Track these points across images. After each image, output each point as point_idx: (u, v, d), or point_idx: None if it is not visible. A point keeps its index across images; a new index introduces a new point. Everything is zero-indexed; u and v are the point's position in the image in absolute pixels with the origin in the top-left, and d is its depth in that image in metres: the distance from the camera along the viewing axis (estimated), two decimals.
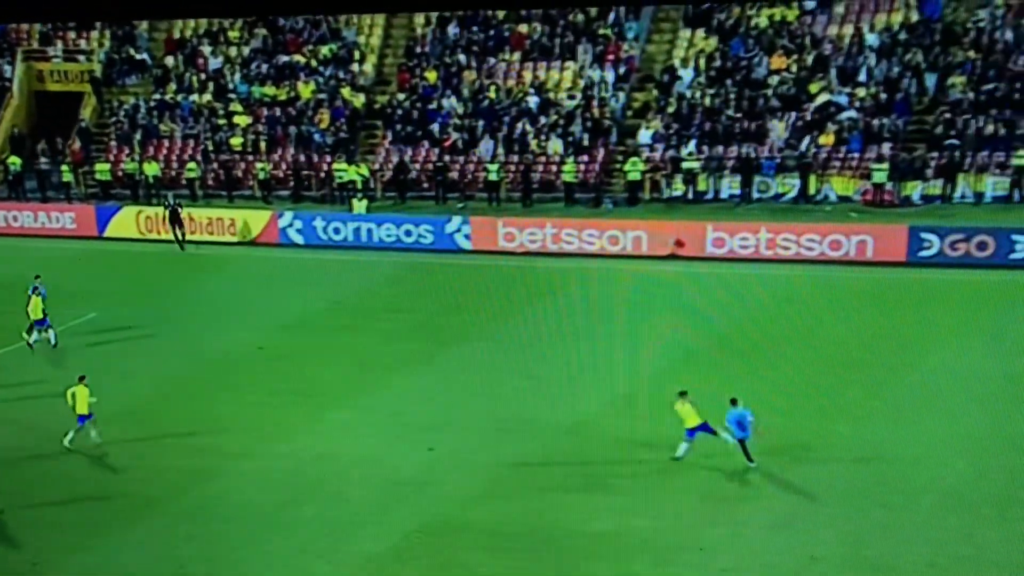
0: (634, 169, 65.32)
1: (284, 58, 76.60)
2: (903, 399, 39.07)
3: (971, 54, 64.25)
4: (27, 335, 49.15)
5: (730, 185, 64.17)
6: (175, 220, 64.74)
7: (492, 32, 74.52)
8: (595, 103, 69.74)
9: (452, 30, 75.29)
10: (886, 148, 62.40)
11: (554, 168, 68.19)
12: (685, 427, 35.93)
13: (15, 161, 75.32)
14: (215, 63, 78.31)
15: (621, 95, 70.24)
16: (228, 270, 60.16)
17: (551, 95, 71.20)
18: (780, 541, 31.35)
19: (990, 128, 61.00)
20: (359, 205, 65.41)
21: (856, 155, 62.89)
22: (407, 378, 43.72)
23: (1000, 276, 49.75)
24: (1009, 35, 64.18)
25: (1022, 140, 60.08)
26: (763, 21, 69.84)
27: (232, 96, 76.42)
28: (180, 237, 64.45)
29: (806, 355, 43.04)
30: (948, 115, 62.24)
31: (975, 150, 60.74)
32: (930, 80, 64.13)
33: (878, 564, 30.14)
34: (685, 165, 64.86)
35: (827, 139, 63.74)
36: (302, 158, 72.04)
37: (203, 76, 78.16)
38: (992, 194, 59.52)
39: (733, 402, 36.74)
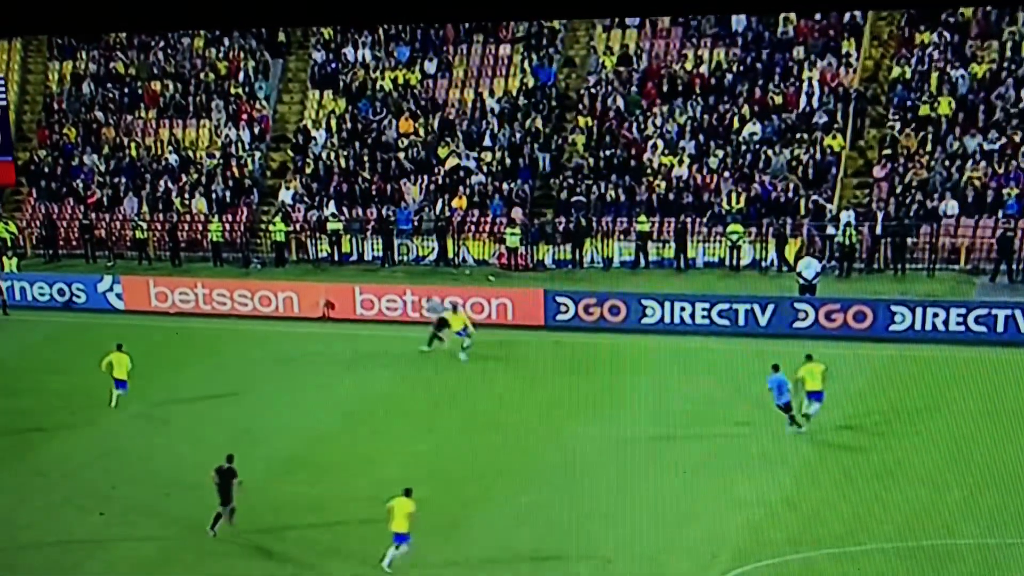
0: (278, 230, 66.06)
1: None
2: (554, 463, 40.41)
3: (586, 121, 66.93)
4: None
5: (373, 247, 65.48)
6: None
7: (127, 89, 74.37)
8: (234, 162, 70.39)
9: (87, 87, 74.76)
10: (517, 212, 64.62)
11: (200, 227, 68.46)
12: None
13: None
14: None
15: (258, 155, 70.92)
16: None
17: (190, 153, 71.38)
18: None
19: (612, 194, 63.88)
20: (9, 263, 63.89)
21: (491, 219, 64.73)
22: (70, 445, 43.06)
23: (633, 340, 51.74)
24: (620, 102, 67.34)
25: (642, 206, 63.22)
26: (387, 84, 71.36)
27: None
28: None
29: (461, 415, 44.55)
30: (571, 180, 65.05)
31: (599, 215, 63.52)
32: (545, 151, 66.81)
33: None
34: (329, 226, 65.78)
35: (460, 202, 65.81)
36: None
37: None
38: (620, 259, 62.26)
39: (775, 368, 40.66)
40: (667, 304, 53.49)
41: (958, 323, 50.18)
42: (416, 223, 65.64)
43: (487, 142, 68.24)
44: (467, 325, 50.71)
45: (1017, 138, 60.11)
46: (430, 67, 71.58)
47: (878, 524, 34.43)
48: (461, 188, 66.13)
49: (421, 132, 69.32)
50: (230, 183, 69.67)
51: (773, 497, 36.63)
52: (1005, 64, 63.18)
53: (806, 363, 42.02)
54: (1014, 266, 56.85)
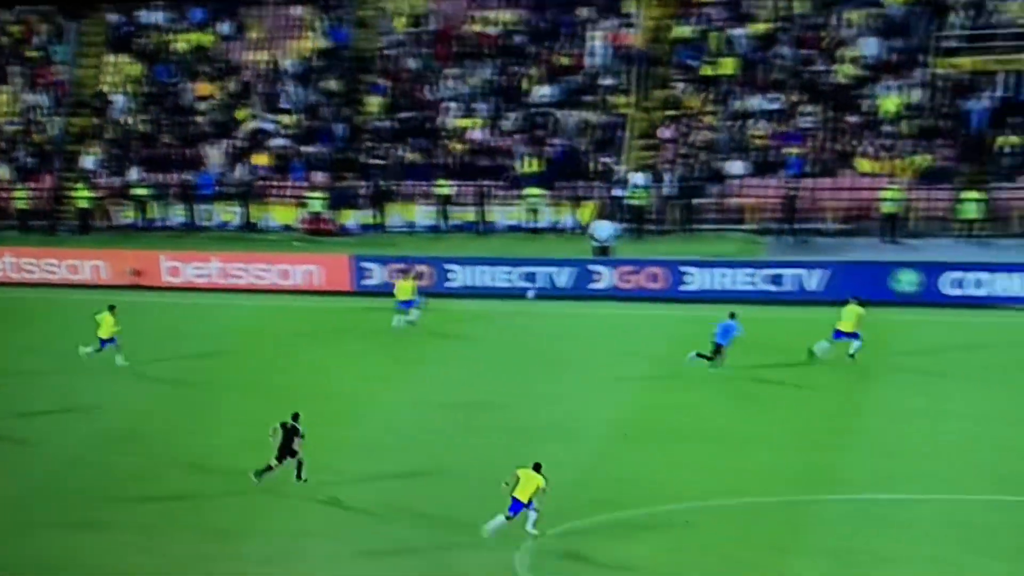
0: (82, 196, 65.78)
1: None
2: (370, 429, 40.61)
3: (382, 81, 67.90)
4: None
5: (177, 213, 65.52)
6: None
7: None
8: (34, 128, 69.59)
9: None
10: (320, 177, 65.22)
11: (4, 194, 67.82)
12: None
13: None
14: None
15: (59, 120, 70.23)
16: None
17: None
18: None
19: (410, 157, 64.81)
20: None
21: (293, 183, 65.03)
22: None
23: (439, 304, 51.91)
24: (414, 63, 68.21)
25: (441, 169, 64.20)
26: (183, 46, 70.90)
27: None
28: None
29: (278, 386, 44.02)
30: (370, 144, 65.90)
31: (400, 179, 64.55)
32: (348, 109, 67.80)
33: None
34: (133, 192, 65.75)
35: (262, 159, 65.66)
36: None
37: None
38: (422, 223, 63.30)
39: (732, 315, 43.19)
40: (469, 267, 54.94)
41: (747, 282, 52.54)
42: (218, 188, 65.81)
43: (286, 104, 68.34)
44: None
45: (795, 97, 62.42)
46: (225, 29, 71.42)
47: (681, 485, 35.04)
48: (261, 151, 65.88)
49: (219, 95, 69.44)
50: (31, 149, 68.91)
51: (581, 460, 37.04)
52: (779, 23, 65.00)
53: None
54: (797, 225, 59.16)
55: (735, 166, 61.25)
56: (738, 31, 65.25)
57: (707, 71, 64.32)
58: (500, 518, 31.71)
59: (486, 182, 63.17)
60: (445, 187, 63.18)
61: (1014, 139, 58.54)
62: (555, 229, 61.52)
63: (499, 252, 57.45)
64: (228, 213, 65.00)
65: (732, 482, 35.12)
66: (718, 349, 43.70)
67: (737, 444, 38.16)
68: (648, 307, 52.01)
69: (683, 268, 53.37)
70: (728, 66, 64.14)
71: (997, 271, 50.94)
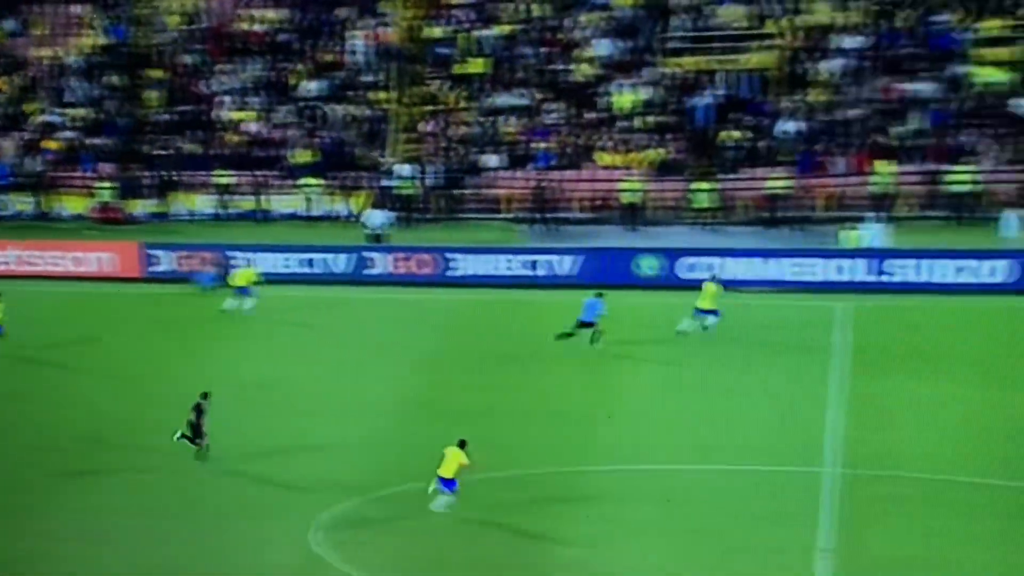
0: None
1: None
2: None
3: (161, 75, 69.83)
4: None
5: None
6: None
7: None
8: None
9: None
10: (108, 167, 66.78)
11: None
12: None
13: None
14: None
15: None
16: None
17: None
18: None
19: (190, 148, 67.02)
20: None
21: (83, 174, 66.68)
22: None
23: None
24: (189, 59, 70.33)
25: (220, 160, 66.32)
26: None
27: None
28: None
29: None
30: (152, 136, 67.56)
31: (181, 169, 66.53)
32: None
33: None
34: None
35: (52, 143, 67.17)
36: None
37: None
38: (205, 211, 65.61)
39: (599, 295, 46.34)
40: (251, 254, 56.78)
41: (507, 267, 56.30)
42: (12, 178, 67.08)
43: (71, 99, 69.84)
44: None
45: (539, 95, 66.13)
46: (11, 26, 72.70)
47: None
48: (51, 143, 67.39)
49: (7, 89, 70.38)
50: None
51: (364, 437, 38.68)
52: (521, 25, 68.79)
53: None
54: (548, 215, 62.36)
55: (491, 159, 64.57)
56: (485, 32, 68.68)
57: (459, 69, 67.59)
58: (441, 498, 32.97)
59: (263, 172, 65.67)
60: (224, 177, 65.35)
61: (736, 134, 62.74)
62: (330, 217, 64.11)
63: (279, 239, 59.73)
64: (22, 203, 66.38)
65: (506, 455, 36.36)
66: (581, 326, 45.90)
67: (509, 419, 40.12)
68: (420, 291, 54.72)
69: (450, 255, 56.66)
70: (478, 65, 67.44)
71: (727, 256, 54.89)
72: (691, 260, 54.76)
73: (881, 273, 52.89)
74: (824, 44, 65.46)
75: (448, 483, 32.82)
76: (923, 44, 64.65)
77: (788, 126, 62.73)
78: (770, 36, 66.07)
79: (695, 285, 51.47)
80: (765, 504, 33.53)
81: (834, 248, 55.25)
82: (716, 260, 54.21)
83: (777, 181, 60.88)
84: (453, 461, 32.94)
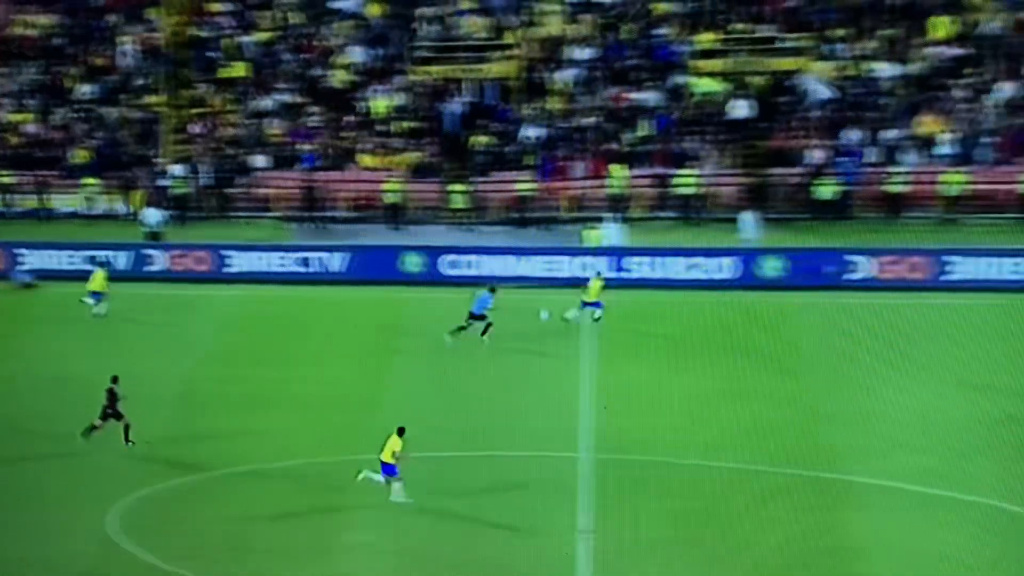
0: None
1: None
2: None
3: None
4: None
5: None
6: None
7: None
8: None
9: None
10: None
11: None
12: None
13: None
14: None
15: None
16: None
17: None
18: None
19: None
20: None
21: None
22: None
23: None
24: None
25: (2, 160, 66.83)
26: None
27: None
28: None
29: None
30: None
31: None
32: None
33: None
34: None
35: None
36: None
37: None
38: None
39: (491, 289, 48.37)
40: (37, 252, 58.79)
41: (280, 264, 58.77)
42: None
43: None
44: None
45: (300, 99, 68.74)
46: None
47: (254, 448, 38.27)
48: None
49: None
50: None
51: (157, 428, 39.03)
52: (279, 32, 71.74)
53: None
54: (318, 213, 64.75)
55: (258, 160, 66.42)
56: (246, 38, 71.08)
57: (224, 73, 69.56)
58: (378, 478, 33.67)
59: (43, 172, 66.42)
60: (6, 176, 66.02)
61: (484, 139, 65.88)
62: (110, 216, 65.24)
63: (61, 237, 60.94)
64: None
65: (286, 444, 38.37)
66: (472, 318, 47.40)
67: (286, 409, 41.71)
68: (198, 288, 56.34)
69: (225, 252, 58.36)
70: (241, 69, 69.49)
71: (485, 254, 57.89)
72: (452, 258, 57.55)
73: (621, 270, 56.16)
74: (558, 55, 69.03)
75: (388, 468, 33.57)
76: (647, 56, 68.69)
77: (530, 132, 66.01)
78: (509, 47, 69.21)
79: (457, 281, 55.13)
80: (525, 488, 35.40)
81: (579, 247, 58.35)
82: (474, 258, 57.26)
83: (523, 184, 63.98)
84: (389, 447, 33.66)
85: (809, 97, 66.75)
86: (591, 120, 67.03)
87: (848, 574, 30.36)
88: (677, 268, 57.13)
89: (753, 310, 51.93)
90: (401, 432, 34.00)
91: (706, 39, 69.15)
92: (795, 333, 50.22)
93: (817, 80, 66.67)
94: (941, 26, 67.93)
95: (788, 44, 68.81)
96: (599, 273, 51.56)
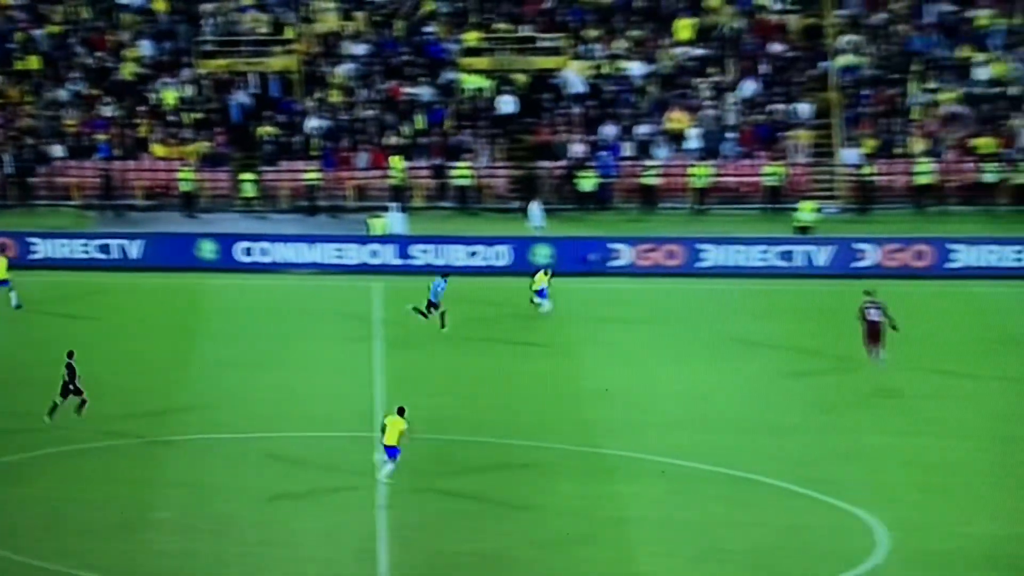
0: None
1: None
2: None
3: None
4: None
5: None
6: None
7: None
8: None
9: None
10: None
11: None
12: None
13: None
14: None
15: None
16: None
17: None
18: None
19: None
20: None
21: None
22: None
23: None
24: None
25: None
26: None
27: None
28: None
29: None
30: None
31: None
32: None
33: None
34: None
35: None
36: None
37: None
38: None
39: (444, 276, 49.73)
40: None
41: (83, 251, 60.23)
42: None
43: None
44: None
45: (94, 91, 69.95)
46: None
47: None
48: None
49: None
50: None
51: None
52: (70, 26, 72.60)
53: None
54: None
55: (56, 149, 67.44)
56: (38, 31, 71.78)
57: (20, 66, 70.28)
58: (387, 466, 34.81)
59: None
60: None
61: (270, 129, 67.98)
62: None
63: None
64: None
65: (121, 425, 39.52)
66: (430, 306, 48.85)
67: (117, 392, 42.59)
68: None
69: (30, 239, 59.81)
70: (35, 62, 70.29)
71: (277, 241, 59.96)
72: (245, 245, 59.51)
73: (406, 257, 59.28)
74: (336, 50, 71.61)
75: (392, 451, 34.65)
76: (418, 52, 71.55)
77: (314, 123, 68.42)
78: (288, 42, 71.73)
79: (250, 268, 58.17)
80: (327, 467, 37.14)
81: (367, 234, 60.78)
82: (267, 245, 59.40)
83: (310, 173, 66.45)
84: (395, 429, 34.56)
85: (568, 93, 70.18)
86: (370, 113, 69.44)
87: (621, 539, 32.93)
88: (458, 255, 59.77)
89: (526, 296, 54.29)
90: (401, 412, 35.17)
91: (472, 37, 72.13)
92: (561, 315, 52.99)
93: (575, 78, 70.07)
94: (684, 27, 71.74)
95: (547, 44, 72.15)
96: (547, 267, 54.34)
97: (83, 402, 39.47)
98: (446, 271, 52.06)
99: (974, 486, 36.39)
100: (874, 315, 45.73)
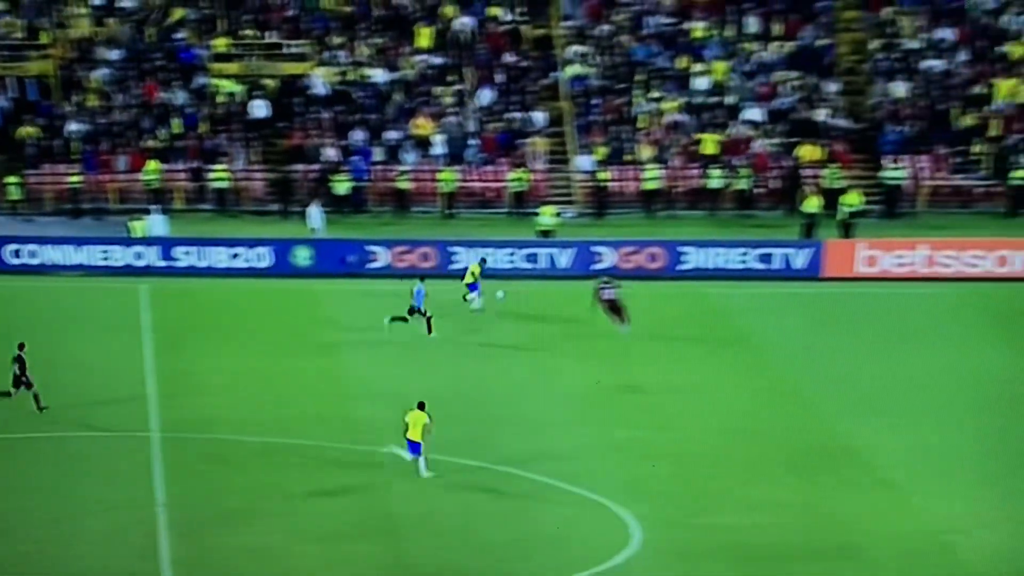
0: None
1: None
2: None
3: None
4: None
5: None
6: None
7: None
8: None
9: None
10: None
11: None
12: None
13: None
14: None
15: None
16: None
17: None
18: None
19: None
20: None
21: None
22: None
23: None
24: None
25: None
26: None
27: None
28: None
29: None
30: None
31: None
32: None
33: None
34: None
35: None
36: None
37: None
38: None
39: (421, 279, 49.75)
40: None
41: None
42: None
43: None
44: None
45: None
46: None
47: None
48: None
49: None
50: None
51: None
52: None
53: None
54: None
55: None
56: None
57: None
58: (404, 454, 35.05)
59: None
60: None
61: (31, 130, 68.10)
62: None
63: None
64: None
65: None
66: (411, 312, 48.75)
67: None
68: None
69: None
70: None
71: (46, 244, 60.09)
72: (13, 247, 59.38)
73: (170, 259, 59.79)
74: (91, 55, 71.78)
75: (415, 446, 34.82)
76: (171, 58, 72.25)
77: (73, 127, 68.34)
78: (45, 47, 71.62)
79: (20, 270, 58.56)
80: (103, 466, 37.55)
81: (132, 236, 60.89)
82: (35, 247, 59.45)
83: (73, 176, 66.47)
84: (418, 423, 34.60)
85: (316, 98, 71.54)
86: (127, 117, 69.82)
87: (390, 532, 33.99)
88: (221, 257, 60.31)
89: (288, 296, 56.24)
90: (422, 407, 35.38)
91: (221, 43, 72.84)
92: (327, 316, 54.83)
93: (322, 83, 71.41)
94: (424, 35, 73.66)
95: (293, 50, 73.37)
96: (483, 260, 55.35)
97: (36, 395, 40.09)
98: (423, 275, 52.88)
99: (717, 478, 37.86)
100: (608, 294, 49.23)
